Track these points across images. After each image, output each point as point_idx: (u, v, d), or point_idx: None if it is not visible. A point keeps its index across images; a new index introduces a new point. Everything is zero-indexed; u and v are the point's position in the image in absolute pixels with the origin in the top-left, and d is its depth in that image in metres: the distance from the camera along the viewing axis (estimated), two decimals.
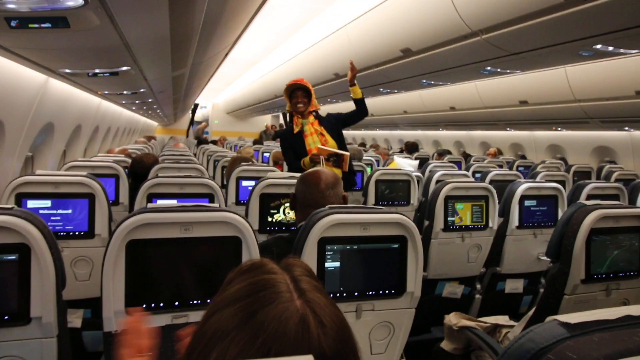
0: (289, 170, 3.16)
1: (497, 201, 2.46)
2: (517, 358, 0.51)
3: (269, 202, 2.17)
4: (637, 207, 1.64)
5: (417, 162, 5.19)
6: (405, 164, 4.59)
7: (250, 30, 4.79)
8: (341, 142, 3.14)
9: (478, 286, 2.54)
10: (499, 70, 4.35)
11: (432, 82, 5.50)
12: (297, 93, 3.11)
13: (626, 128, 5.77)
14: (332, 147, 3.02)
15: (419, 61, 4.28)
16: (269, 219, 2.19)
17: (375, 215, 1.28)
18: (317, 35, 5.99)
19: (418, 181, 3.47)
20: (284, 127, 15.17)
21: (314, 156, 2.93)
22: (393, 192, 3.26)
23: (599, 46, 2.93)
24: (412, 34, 3.96)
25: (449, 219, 2.33)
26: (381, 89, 6.47)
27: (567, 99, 5.18)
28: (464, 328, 1.82)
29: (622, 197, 2.79)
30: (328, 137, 3.07)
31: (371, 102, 9.58)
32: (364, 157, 4.89)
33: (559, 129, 6.90)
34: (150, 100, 5.92)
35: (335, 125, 3.17)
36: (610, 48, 2.96)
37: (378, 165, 5.09)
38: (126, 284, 1.13)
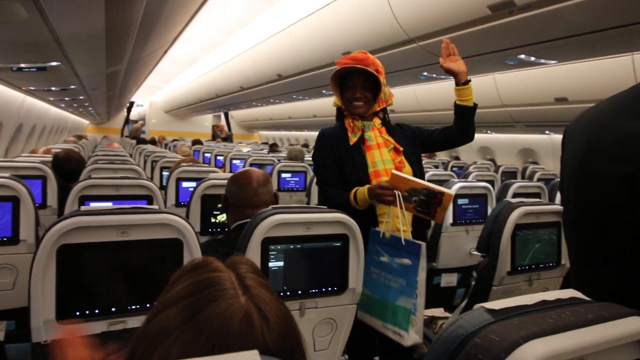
0: (323, 203, 1.83)
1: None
2: (449, 344, 0.54)
3: (211, 203, 2.14)
4: (555, 205, 1.80)
5: None
6: None
7: (191, 28, 4.66)
8: (421, 171, 1.85)
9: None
10: (434, 75, 4.57)
11: None
12: (354, 80, 1.78)
13: (547, 132, 6.27)
14: (408, 174, 1.68)
15: None
16: (212, 220, 2.15)
17: (318, 215, 1.30)
18: (260, 35, 5.95)
19: None
20: (225, 128, 14.70)
21: (382, 189, 1.56)
22: None
23: (522, 56, 3.17)
24: (353, 37, 4.06)
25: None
26: (324, 91, 6.55)
27: (495, 104, 5.54)
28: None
29: (543, 195, 3.04)
30: (404, 158, 1.79)
31: (314, 104, 9.71)
32: (306, 158, 4.93)
33: (489, 132, 7.36)
34: (81, 97, 5.58)
35: (412, 142, 1.87)
36: (533, 58, 3.21)
37: None
38: (57, 291, 1.07)
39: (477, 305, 0.57)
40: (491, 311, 0.55)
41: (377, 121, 1.83)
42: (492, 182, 3.58)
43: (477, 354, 0.49)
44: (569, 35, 2.59)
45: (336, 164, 1.78)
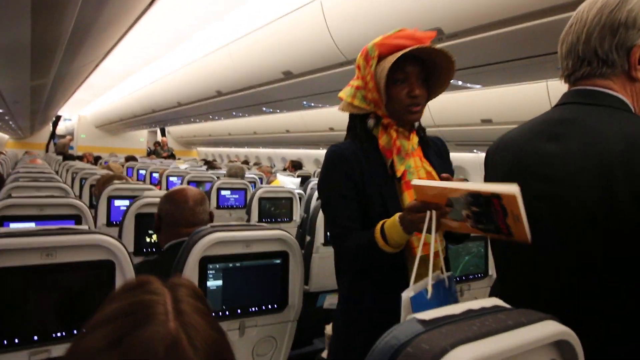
0: (334, 244, 1.22)
1: None
2: (383, 354, 0.56)
3: (145, 222, 2.05)
4: None
5: (299, 179, 5.34)
6: (288, 182, 4.70)
7: (125, 41, 4.51)
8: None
9: None
10: None
11: (313, 104, 5.76)
12: (408, 69, 1.17)
13: (475, 150, 6.70)
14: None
15: (300, 84, 4.46)
16: (147, 240, 2.07)
17: (257, 232, 1.30)
18: (199, 51, 5.88)
19: (300, 198, 3.58)
20: (160, 145, 14.00)
21: (413, 213, 0.98)
22: (276, 209, 3.31)
23: (451, 80, 3.39)
24: (293, 57, 4.13)
25: (329, 233, 2.45)
26: (264, 109, 6.56)
27: (428, 124, 5.85)
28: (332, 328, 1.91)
29: None
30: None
31: (254, 121, 9.67)
32: (247, 175, 4.89)
33: None
34: (1, 110, 5.16)
35: (444, 163, 1.34)
36: (460, 82, 3.45)
37: (261, 183, 5.12)
38: None
39: (410, 316, 0.60)
40: (422, 321, 0.58)
41: (414, 139, 1.23)
42: None
43: None
44: (492, 63, 2.82)
45: (357, 195, 1.17)
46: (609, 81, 0.85)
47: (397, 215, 1.04)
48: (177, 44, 6.68)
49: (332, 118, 7.51)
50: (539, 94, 4.09)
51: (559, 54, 0.92)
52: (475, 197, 0.86)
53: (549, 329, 0.59)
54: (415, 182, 0.96)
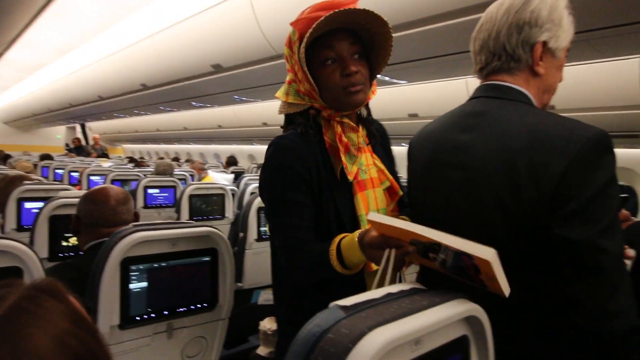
0: (283, 256, 1.01)
1: None
2: (306, 341, 0.57)
3: (62, 225, 1.91)
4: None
5: (232, 175, 5.25)
6: (220, 178, 4.60)
7: (33, 31, 4.13)
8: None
9: None
10: None
11: (245, 99, 5.67)
12: (335, 44, 1.00)
13: (402, 144, 6.98)
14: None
15: (230, 77, 4.38)
16: (63, 244, 1.92)
17: (184, 230, 1.26)
18: (121, 42, 5.54)
19: (233, 194, 3.51)
20: (82, 141, 13.09)
21: (372, 249, 0.85)
22: (208, 206, 3.23)
23: (378, 75, 3.50)
24: (222, 50, 4.03)
25: (262, 228, 2.43)
26: (193, 103, 6.36)
27: None
28: (277, 331, 1.90)
29: None
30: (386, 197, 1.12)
31: (184, 116, 9.33)
32: (176, 172, 4.72)
33: None
34: None
35: (388, 156, 1.23)
36: (387, 78, 3.56)
37: (192, 180, 4.97)
38: None
39: (331, 304, 0.62)
40: (344, 307, 0.60)
41: (363, 130, 1.10)
42: None
43: (329, 347, 0.53)
44: (415, 59, 2.95)
45: (312, 201, 1.00)
46: (514, 77, 0.94)
47: (355, 236, 0.89)
48: (96, 33, 6.26)
49: (266, 113, 7.44)
50: (459, 90, 4.35)
51: (472, 50, 0.99)
52: (443, 248, 0.72)
53: (460, 306, 0.63)
54: (373, 217, 0.82)
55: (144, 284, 1.20)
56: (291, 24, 1.00)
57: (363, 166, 1.06)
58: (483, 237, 0.76)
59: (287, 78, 1.07)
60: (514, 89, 0.93)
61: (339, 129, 1.03)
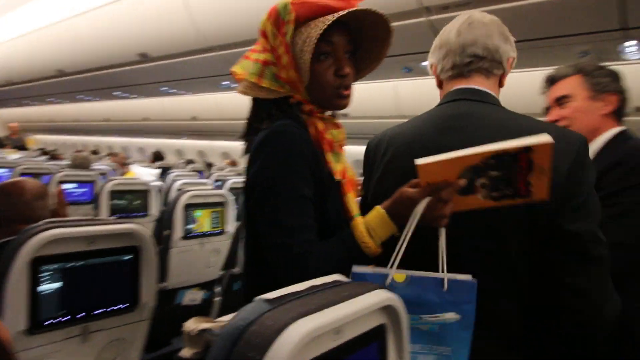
0: (288, 263, 0.85)
1: (234, 207, 2.64)
2: (230, 334, 0.58)
3: None
4: None
5: (158, 171, 5.03)
6: (145, 173, 4.39)
7: None
8: None
9: (218, 289, 2.65)
10: (236, 85, 4.69)
11: (173, 91, 5.46)
12: (334, 38, 0.91)
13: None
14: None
15: (158, 68, 4.19)
16: None
17: (102, 227, 1.19)
18: (33, 23, 5.09)
19: (160, 190, 3.37)
20: (18, 131, 11.55)
21: (410, 197, 0.82)
22: (130, 203, 3.07)
23: None
24: (149, 38, 3.85)
25: (188, 226, 2.36)
26: (116, 93, 6.00)
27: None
28: (202, 331, 1.87)
29: None
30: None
31: (106, 106, 8.76)
32: (95, 166, 4.43)
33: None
34: None
35: None
36: None
37: (113, 175, 4.69)
38: None
39: (256, 298, 0.62)
40: (268, 300, 0.61)
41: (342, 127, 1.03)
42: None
43: (253, 340, 0.54)
44: None
45: (314, 194, 0.90)
46: (488, 82, 0.99)
47: (378, 209, 0.85)
48: (4, 11, 5.68)
49: (196, 107, 7.21)
50: (386, 91, 4.52)
51: (445, 48, 1.00)
52: (499, 159, 0.77)
53: (378, 296, 0.67)
54: (421, 161, 0.78)
55: (57, 285, 1.12)
56: (293, 3, 0.88)
57: (348, 168, 0.99)
58: (482, 238, 0.80)
59: (261, 57, 0.95)
60: (489, 94, 0.98)
61: (321, 125, 0.95)
